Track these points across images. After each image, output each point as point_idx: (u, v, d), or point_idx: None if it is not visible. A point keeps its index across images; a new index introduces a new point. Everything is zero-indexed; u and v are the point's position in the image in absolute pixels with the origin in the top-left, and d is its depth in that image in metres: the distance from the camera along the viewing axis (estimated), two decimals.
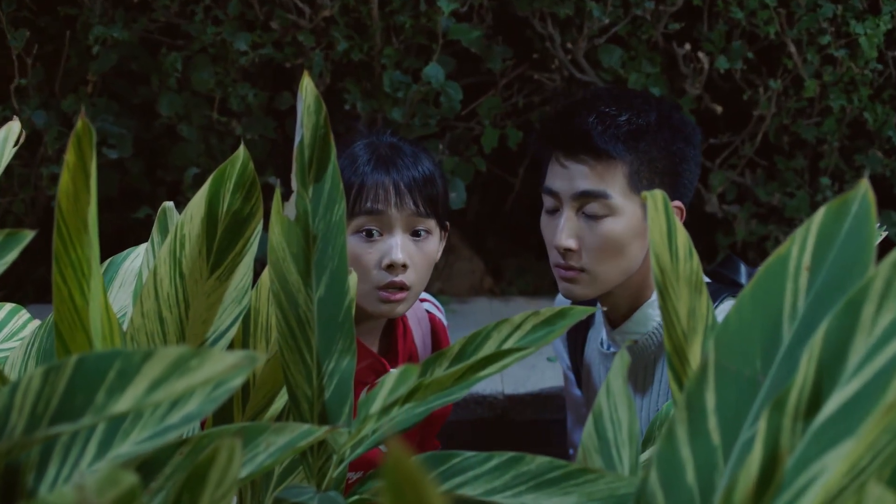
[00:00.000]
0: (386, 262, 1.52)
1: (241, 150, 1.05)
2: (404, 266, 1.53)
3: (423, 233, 1.56)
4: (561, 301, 1.91)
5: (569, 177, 1.61)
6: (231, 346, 1.08)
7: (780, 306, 0.77)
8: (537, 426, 2.38)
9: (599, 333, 1.79)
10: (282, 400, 1.08)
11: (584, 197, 1.60)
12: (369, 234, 1.53)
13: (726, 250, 3.00)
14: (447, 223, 1.64)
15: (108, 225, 2.88)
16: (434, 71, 2.60)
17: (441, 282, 3.12)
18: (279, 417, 1.08)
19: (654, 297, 1.65)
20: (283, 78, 2.81)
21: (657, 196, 0.87)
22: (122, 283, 1.32)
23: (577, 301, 1.66)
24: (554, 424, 2.33)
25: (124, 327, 1.23)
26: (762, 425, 0.68)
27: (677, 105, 1.67)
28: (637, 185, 1.59)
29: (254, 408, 1.07)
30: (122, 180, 2.80)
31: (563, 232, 1.60)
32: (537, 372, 2.42)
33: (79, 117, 2.77)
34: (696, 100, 2.76)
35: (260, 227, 1.07)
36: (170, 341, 1.05)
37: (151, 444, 0.76)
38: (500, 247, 3.28)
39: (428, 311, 1.78)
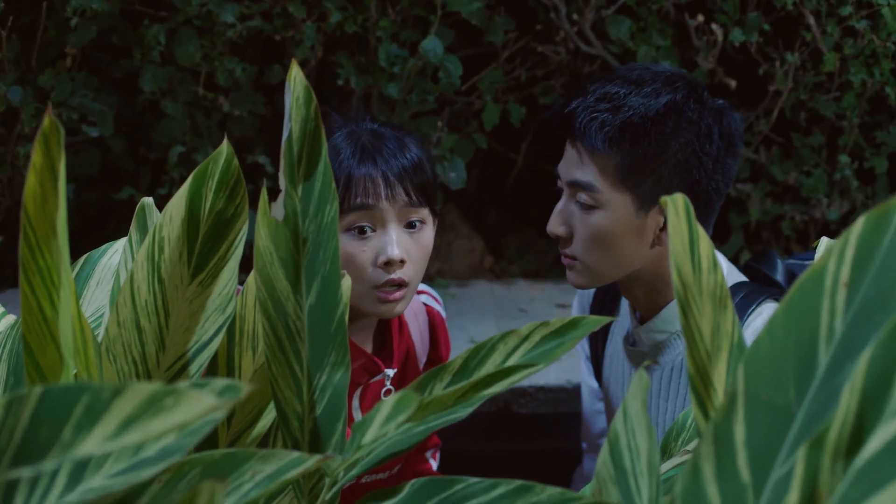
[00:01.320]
0: (382, 259, 1.47)
1: (225, 144, 1.00)
2: (402, 262, 1.48)
3: (417, 224, 1.51)
4: (580, 299, 1.87)
5: (566, 162, 1.59)
6: (215, 358, 1.03)
7: (815, 327, 0.72)
8: (541, 420, 2.35)
9: (625, 326, 1.75)
10: (269, 415, 1.04)
11: (574, 186, 1.57)
12: (361, 231, 1.48)
13: (739, 230, 2.96)
14: (438, 208, 1.60)
15: (90, 206, 2.83)
16: (432, 44, 2.54)
17: (439, 262, 3.08)
18: (267, 435, 1.03)
19: None
20: (273, 51, 2.75)
21: (678, 201, 0.82)
22: (100, 280, 1.28)
23: (579, 289, 1.67)
24: (558, 418, 2.30)
25: (101, 331, 1.18)
26: (799, 465, 0.64)
27: (698, 91, 1.58)
28: (627, 180, 1.54)
29: (240, 424, 1.03)
30: (104, 159, 2.75)
31: (553, 219, 1.60)
32: None
33: (57, 92, 2.68)
34: (708, 74, 2.71)
35: (245, 228, 1.02)
36: (148, 352, 1.00)
37: (125, 478, 0.72)
38: (501, 224, 3.24)
39: (425, 304, 1.73)
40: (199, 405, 0.57)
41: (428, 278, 3.04)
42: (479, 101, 2.76)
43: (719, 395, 0.80)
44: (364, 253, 1.47)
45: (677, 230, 0.81)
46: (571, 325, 0.95)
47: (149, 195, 2.74)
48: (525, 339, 0.94)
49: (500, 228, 3.23)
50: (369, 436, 0.80)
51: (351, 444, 0.84)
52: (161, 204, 2.97)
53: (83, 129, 2.60)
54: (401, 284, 1.48)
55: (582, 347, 1.90)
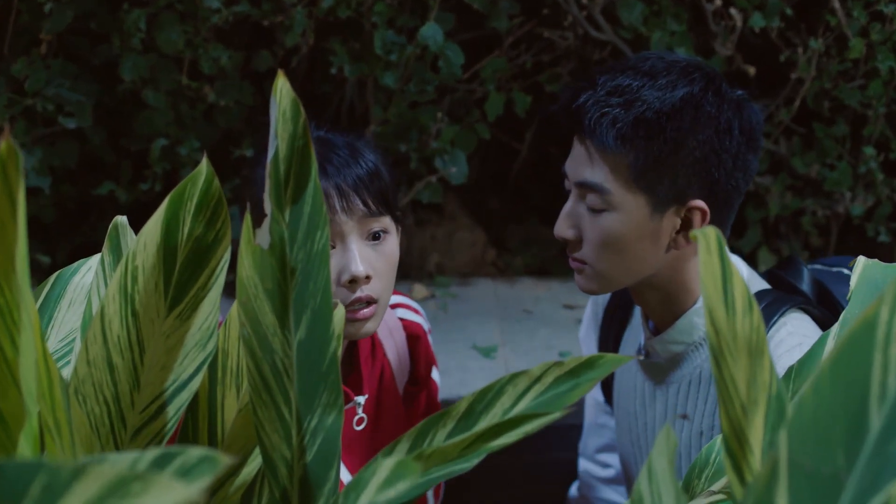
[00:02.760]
0: (346, 277, 1.42)
1: (204, 164, 0.95)
2: (367, 278, 1.43)
3: (381, 234, 1.47)
4: (594, 305, 1.82)
5: (574, 161, 1.54)
6: (196, 398, 0.98)
7: (866, 385, 0.67)
8: (549, 431, 2.30)
9: (637, 337, 1.70)
10: (255, 461, 0.99)
11: (584, 187, 1.52)
12: None
13: (756, 225, 2.92)
14: (399, 215, 1.55)
15: (68, 199, 2.78)
16: (432, 31, 2.48)
17: (439, 255, 3.03)
18: (253, 483, 0.98)
19: (700, 304, 1.56)
20: (261, 37, 2.70)
21: (710, 235, 0.76)
22: (72, 301, 1.23)
23: (589, 294, 1.62)
24: (567, 430, 2.25)
25: (74, 357, 1.13)
26: None
27: (717, 83, 1.52)
28: (640, 180, 1.49)
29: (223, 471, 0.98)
30: (83, 151, 2.69)
31: (561, 221, 1.55)
32: None
33: (31, 81, 2.61)
34: (727, 61, 2.66)
35: (228, 255, 0.97)
36: (122, 392, 0.95)
37: None
38: (503, 215, 3.19)
39: (402, 319, 1.67)
40: (170, 496, 0.52)
41: (427, 275, 2.99)
42: (482, 88, 2.71)
43: (756, 454, 0.74)
44: None
45: (709, 268, 0.76)
46: (588, 364, 0.90)
47: (130, 190, 2.71)
48: (537, 380, 0.89)
49: (502, 219, 3.19)
50: (364, 500, 0.75)
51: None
52: (144, 201, 2.88)
53: (60, 119, 2.55)
54: (369, 301, 1.44)
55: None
